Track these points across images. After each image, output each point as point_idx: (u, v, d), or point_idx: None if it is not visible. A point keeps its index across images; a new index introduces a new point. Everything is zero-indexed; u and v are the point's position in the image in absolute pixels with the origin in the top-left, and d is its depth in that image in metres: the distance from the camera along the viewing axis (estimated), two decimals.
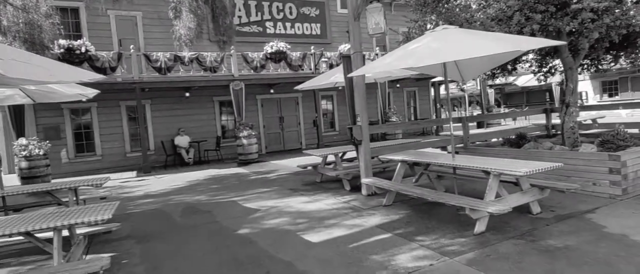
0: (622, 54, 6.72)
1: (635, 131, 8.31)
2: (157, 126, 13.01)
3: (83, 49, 10.19)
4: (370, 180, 5.94)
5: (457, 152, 7.56)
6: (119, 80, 11.09)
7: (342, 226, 4.89)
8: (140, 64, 11.29)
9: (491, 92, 24.82)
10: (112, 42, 12.33)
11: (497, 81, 27.17)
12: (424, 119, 17.80)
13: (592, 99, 22.61)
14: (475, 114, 26.14)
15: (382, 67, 4.57)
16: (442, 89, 33.23)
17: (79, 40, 10.46)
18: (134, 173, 11.29)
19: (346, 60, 6.32)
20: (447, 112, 30.35)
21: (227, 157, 13.50)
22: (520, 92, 27.35)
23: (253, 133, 11.90)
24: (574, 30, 5.68)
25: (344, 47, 13.64)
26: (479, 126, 16.84)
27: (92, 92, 5.46)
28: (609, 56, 7.12)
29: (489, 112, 17.96)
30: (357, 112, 6.34)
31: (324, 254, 4.03)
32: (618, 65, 7.74)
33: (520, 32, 5.19)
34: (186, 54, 11.48)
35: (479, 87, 19.12)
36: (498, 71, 7.72)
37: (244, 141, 11.66)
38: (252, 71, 12.48)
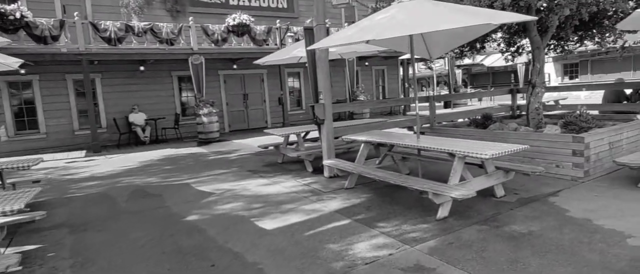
0: (588, 34, 6.64)
1: (595, 112, 8.44)
2: (109, 102, 12.07)
3: (18, 15, 9.09)
4: (332, 162, 5.62)
5: (423, 133, 7.37)
6: (63, 51, 10.06)
7: (299, 211, 4.57)
8: (87, 34, 10.28)
9: (459, 72, 25.06)
10: (54, 8, 11.13)
11: (465, 61, 27.49)
12: (392, 98, 17.66)
13: (554, 81, 23.27)
14: (443, 93, 26.38)
15: (344, 39, 4.18)
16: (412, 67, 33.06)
17: (13, 5, 9.32)
18: (83, 153, 10.45)
19: (309, 33, 5.86)
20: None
21: (187, 136, 12.81)
22: (486, 73, 27.78)
23: (214, 111, 11.27)
24: (542, 7, 5.47)
25: (311, 21, 13.03)
26: (446, 105, 16.89)
27: (15, 61, 4.74)
28: (575, 37, 7.03)
29: (456, 92, 18.05)
30: (320, 89, 5.94)
31: (277, 243, 3.69)
32: (582, 48, 7.70)
33: (490, 7, 4.92)
34: (139, 23, 10.55)
35: (447, 67, 19.13)
36: (466, 49, 7.51)
37: (204, 119, 11.03)
38: (213, 45, 11.71)
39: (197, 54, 11.34)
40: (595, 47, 6.72)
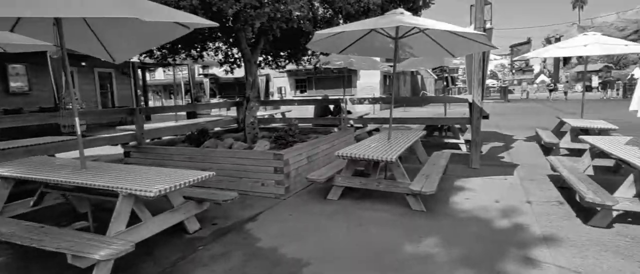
0: (291, 53, 7.03)
1: (310, 125, 9.35)
2: None
3: None
4: None
5: (128, 153, 6.04)
6: None
7: None
8: None
9: (206, 81, 24.73)
10: None
11: (214, 70, 27.40)
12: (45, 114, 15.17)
13: (289, 93, 26.30)
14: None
15: None
16: (158, 73, 30.42)
17: None
18: None
19: None
20: (150, 100, 28.14)
21: None
22: (233, 83, 28.60)
23: None
24: (230, 17, 5.08)
25: None
26: (189, 116, 15.87)
27: None
28: (284, 54, 7.36)
29: (197, 102, 17.37)
30: None
31: None
32: (309, 66, 8.11)
33: (177, 7, 4.19)
34: None
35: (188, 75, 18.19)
36: (170, 55, 6.65)
37: None
38: None
39: None
40: (298, 66, 7.20)
